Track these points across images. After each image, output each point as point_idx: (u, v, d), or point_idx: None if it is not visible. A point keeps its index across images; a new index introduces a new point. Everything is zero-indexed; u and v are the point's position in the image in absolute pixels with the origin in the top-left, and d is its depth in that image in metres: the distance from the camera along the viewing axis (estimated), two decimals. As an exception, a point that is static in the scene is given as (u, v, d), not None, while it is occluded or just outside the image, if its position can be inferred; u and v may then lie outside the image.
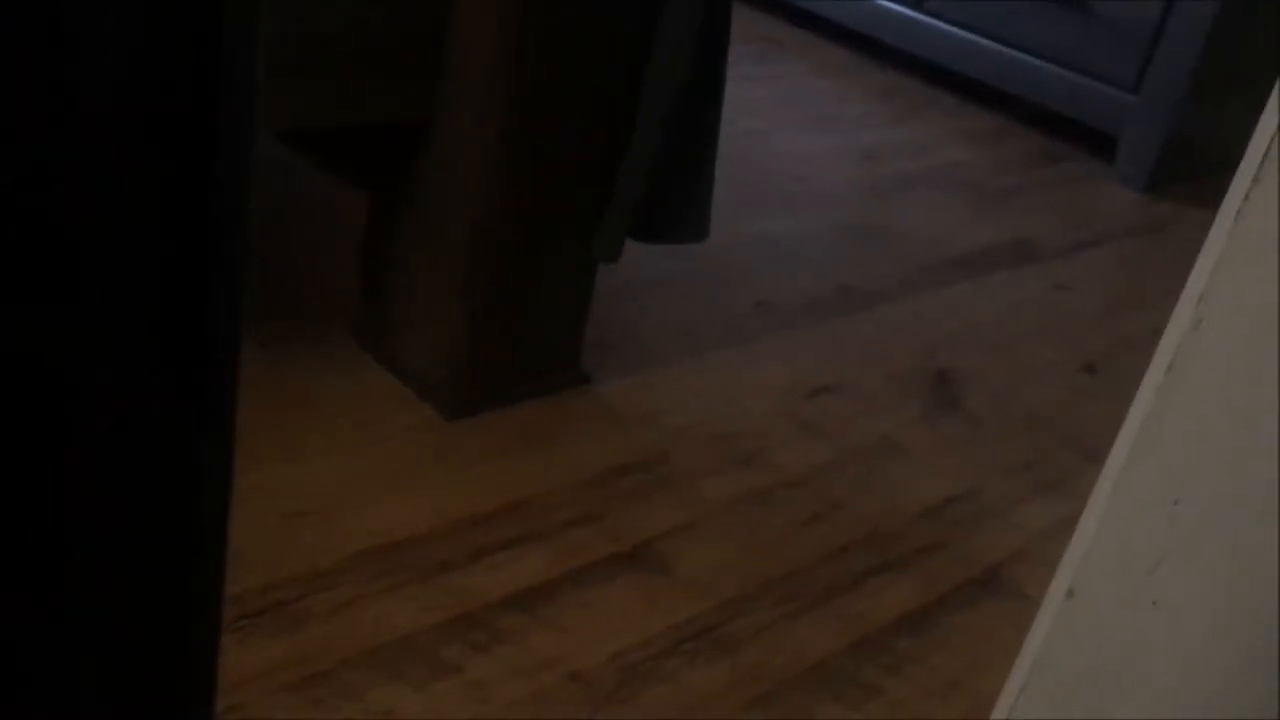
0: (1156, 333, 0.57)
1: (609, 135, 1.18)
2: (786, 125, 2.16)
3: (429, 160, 1.18)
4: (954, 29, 2.34)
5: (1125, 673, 0.59)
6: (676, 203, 1.25)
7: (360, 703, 0.91)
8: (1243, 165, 0.51)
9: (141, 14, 0.28)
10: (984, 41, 2.30)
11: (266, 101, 1.07)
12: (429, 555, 1.06)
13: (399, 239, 1.24)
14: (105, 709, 0.33)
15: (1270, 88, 0.52)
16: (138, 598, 0.33)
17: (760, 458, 1.29)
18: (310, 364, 1.26)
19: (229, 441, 0.35)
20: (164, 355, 0.31)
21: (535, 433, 1.25)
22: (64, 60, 0.27)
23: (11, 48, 0.26)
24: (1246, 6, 2.10)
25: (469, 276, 1.19)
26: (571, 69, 1.14)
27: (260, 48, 0.31)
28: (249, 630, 0.94)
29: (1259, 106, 0.52)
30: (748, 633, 1.06)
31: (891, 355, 1.54)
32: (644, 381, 1.37)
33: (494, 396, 1.26)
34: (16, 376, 0.28)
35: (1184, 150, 2.16)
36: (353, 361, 1.28)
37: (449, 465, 1.17)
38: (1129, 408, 0.57)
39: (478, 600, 1.02)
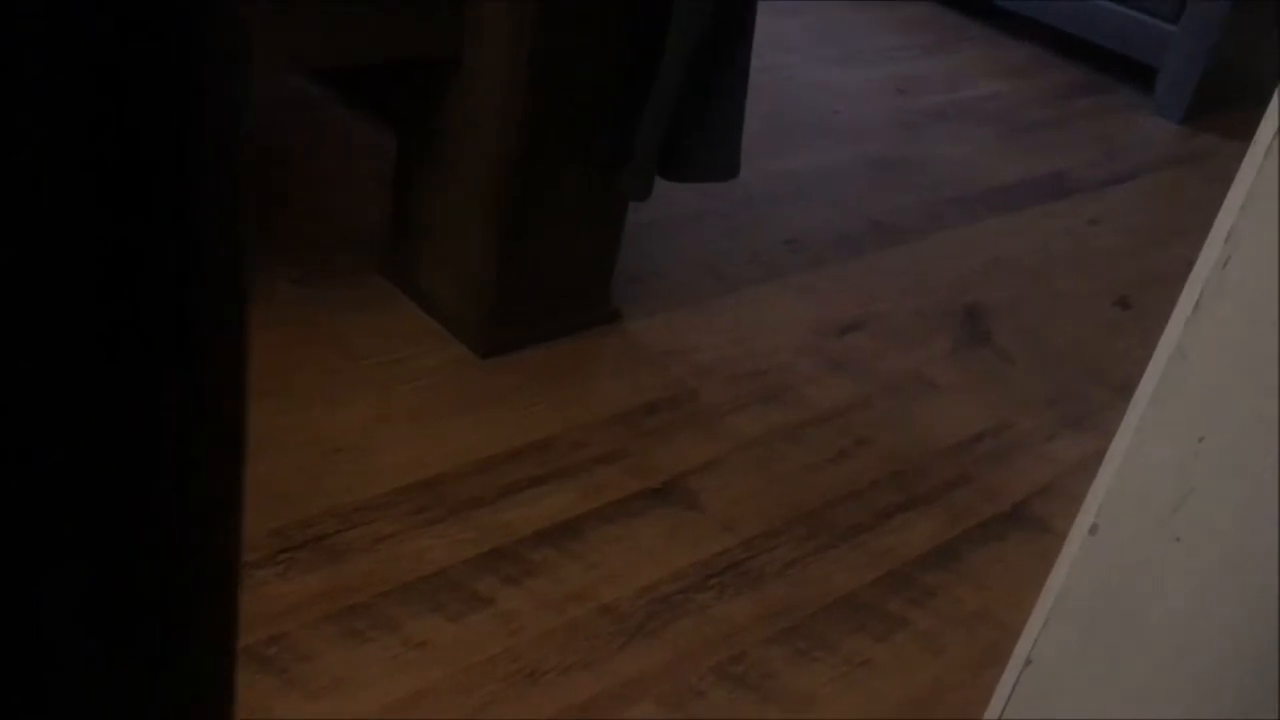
0: (1191, 267, 0.57)
1: (638, 72, 1.18)
2: (817, 58, 2.13)
3: (456, 98, 1.18)
4: (989, -43, 2.29)
5: (1147, 608, 0.60)
6: (707, 140, 1.24)
7: (397, 633, 0.93)
8: (1273, 100, 0.50)
9: None
10: (1020, -30, 2.26)
11: (296, 40, 1.07)
12: (462, 491, 1.08)
13: (428, 177, 1.25)
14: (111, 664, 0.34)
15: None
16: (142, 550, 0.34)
17: (789, 394, 1.30)
18: (343, 302, 1.28)
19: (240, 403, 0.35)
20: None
21: (567, 370, 1.26)
22: None
23: None
24: (1291, -69, 2.04)
25: (498, 214, 1.19)
26: (597, 7, 1.13)
27: None
28: (289, 563, 0.96)
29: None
30: (775, 567, 1.07)
31: (921, 291, 1.53)
32: (673, 318, 1.38)
33: (525, 334, 1.27)
34: None
35: (1223, 81, 2.12)
36: (385, 299, 1.29)
37: (481, 402, 1.19)
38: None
39: (510, 535, 1.04)
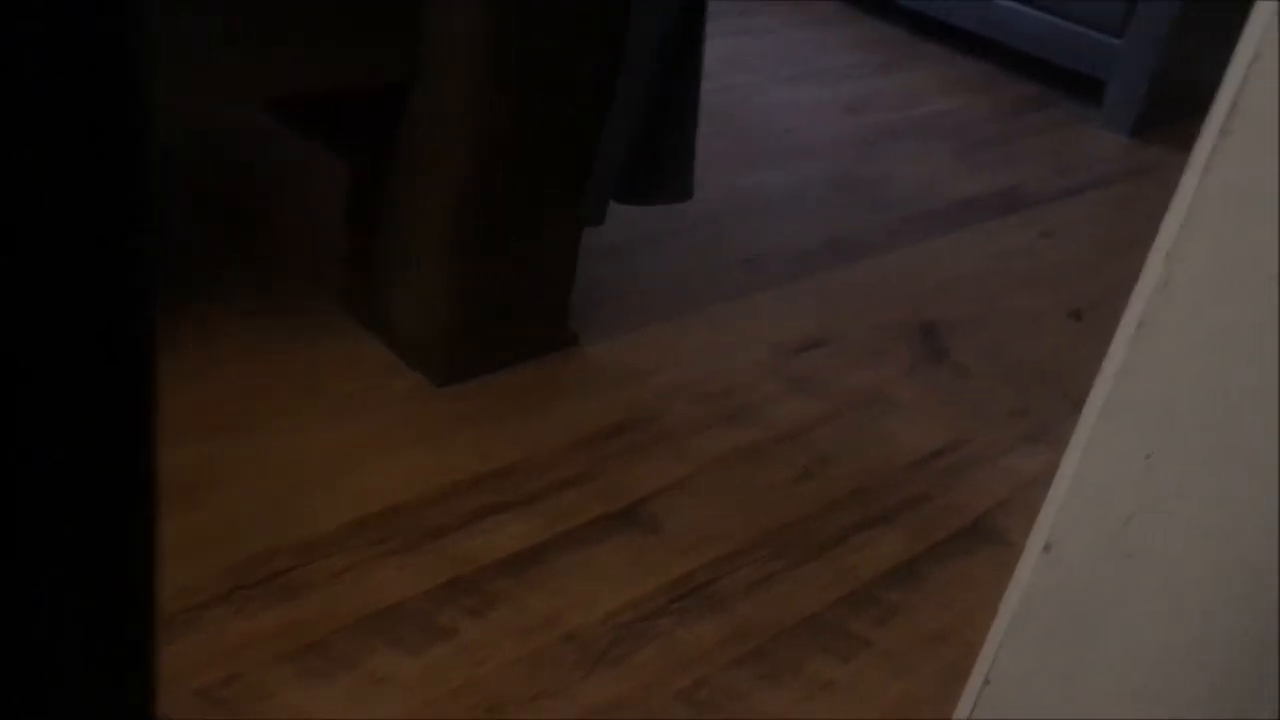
0: (1138, 283, 0.57)
1: (591, 97, 1.18)
2: (772, 78, 2.15)
3: (411, 126, 1.18)
4: (939, -25, 2.32)
5: (1102, 624, 0.60)
6: (659, 164, 1.24)
7: (358, 669, 0.92)
8: (1209, 117, 0.51)
9: None
10: (969, -13, 2.28)
11: (249, 69, 1.07)
12: (422, 521, 1.07)
13: (383, 206, 1.24)
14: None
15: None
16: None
17: (750, 414, 1.30)
18: (299, 333, 1.27)
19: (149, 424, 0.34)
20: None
21: (525, 396, 1.25)
22: None
23: None
24: (1233, -55, 2.08)
25: (453, 243, 1.19)
26: (552, 32, 1.13)
27: None
28: (245, 601, 0.95)
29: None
30: (738, 589, 1.07)
31: (880, 307, 1.54)
32: (633, 341, 1.37)
33: (483, 361, 1.26)
34: None
35: (1171, 93, 2.15)
36: (341, 330, 1.28)
37: (439, 431, 1.18)
38: (1107, 361, 0.58)
39: (471, 564, 1.03)
